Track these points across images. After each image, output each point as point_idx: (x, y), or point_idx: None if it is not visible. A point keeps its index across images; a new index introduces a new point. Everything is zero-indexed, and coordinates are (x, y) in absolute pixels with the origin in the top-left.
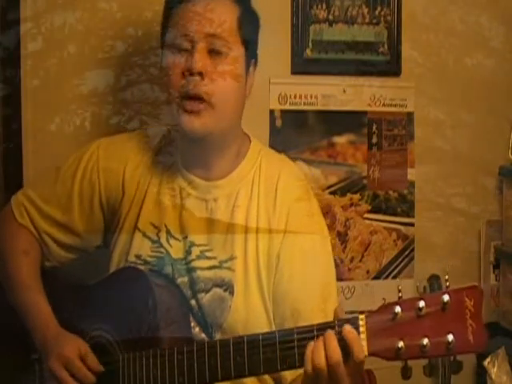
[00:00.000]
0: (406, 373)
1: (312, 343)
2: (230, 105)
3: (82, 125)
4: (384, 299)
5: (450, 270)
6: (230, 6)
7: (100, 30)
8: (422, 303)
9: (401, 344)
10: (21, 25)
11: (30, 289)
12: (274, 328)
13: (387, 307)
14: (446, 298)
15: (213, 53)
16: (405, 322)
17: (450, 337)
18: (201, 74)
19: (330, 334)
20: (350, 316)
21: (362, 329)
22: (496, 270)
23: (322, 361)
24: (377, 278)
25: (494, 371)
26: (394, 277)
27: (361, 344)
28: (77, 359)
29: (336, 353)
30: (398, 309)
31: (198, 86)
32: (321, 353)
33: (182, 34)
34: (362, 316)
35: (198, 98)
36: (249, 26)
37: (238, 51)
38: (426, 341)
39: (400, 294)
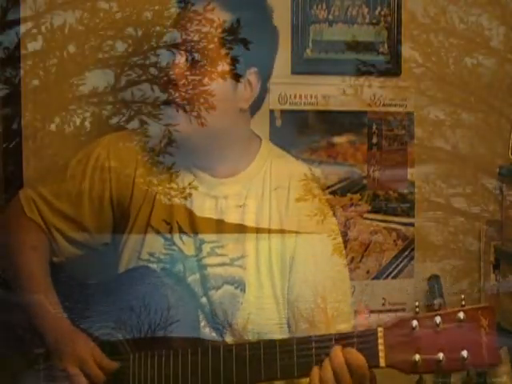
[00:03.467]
0: None
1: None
2: (212, 106)
3: (82, 125)
4: (384, 299)
5: (450, 269)
6: (215, 14)
7: (100, 29)
8: (438, 319)
9: (417, 357)
10: (21, 25)
11: (39, 285)
12: (284, 327)
13: (405, 321)
14: (461, 315)
15: (193, 61)
16: (422, 337)
17: (465, 353)
18: (180, 84)
19: (337, 349)
20: (369, 328)
21: (380, 340)
22: (496, 270)
23: (329, 375)
24: (377, 278)
25: (494, 371)
26: (394, 277)
27: (363, 360)
28: (90, 358)
29: (342, 367)
30: (415, 323)
31: (177, 95)
32: (327, 368)
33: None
34: (380, 328)
35: (178, 105)
36: (247, 29)
37: (218, 55)
38: (441, 355)
39: (417, 310)
